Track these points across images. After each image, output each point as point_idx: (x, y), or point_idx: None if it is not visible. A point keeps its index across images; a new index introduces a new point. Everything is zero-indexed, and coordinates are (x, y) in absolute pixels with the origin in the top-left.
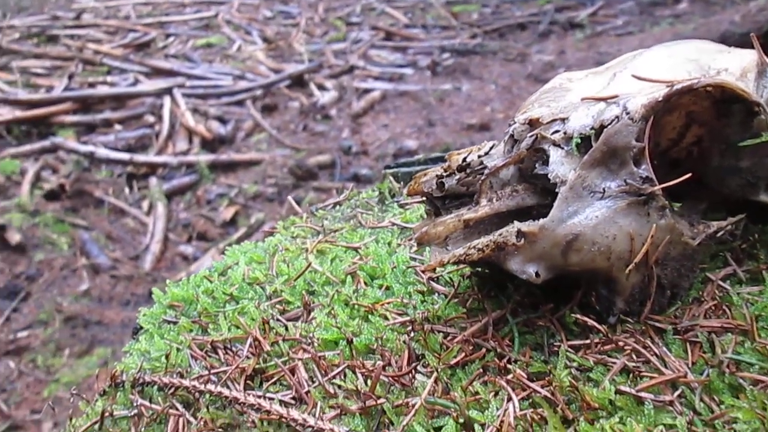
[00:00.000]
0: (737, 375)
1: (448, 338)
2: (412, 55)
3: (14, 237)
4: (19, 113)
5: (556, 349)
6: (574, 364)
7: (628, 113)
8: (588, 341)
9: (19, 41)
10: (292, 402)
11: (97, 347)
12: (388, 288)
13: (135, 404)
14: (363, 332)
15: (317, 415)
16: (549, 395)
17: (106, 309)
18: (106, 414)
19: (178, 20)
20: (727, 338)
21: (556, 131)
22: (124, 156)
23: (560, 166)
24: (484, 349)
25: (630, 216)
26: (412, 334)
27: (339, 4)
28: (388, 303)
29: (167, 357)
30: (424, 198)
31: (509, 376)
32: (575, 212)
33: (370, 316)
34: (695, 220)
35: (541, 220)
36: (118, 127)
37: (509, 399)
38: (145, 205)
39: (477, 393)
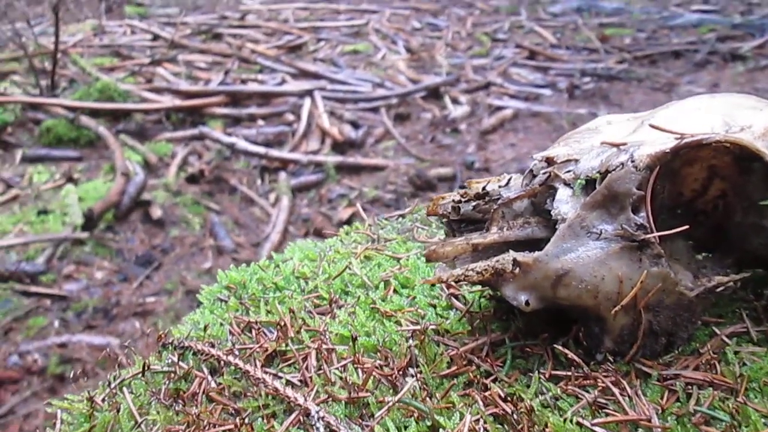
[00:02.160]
0: (702, 429)
1: (447, 350)
2: (552, 76)
3: (156, 212)
4: (178, 102)
5: (546, 375)
6: (550, 393)
7: (633, 161)
8: (569, 373)
9: (189, 37)
10: (298, 384)
11: None
12: (413, 298)
13: (171, 363)
14: (375, 333)
15: (308, 397)
16: (515, 416)
17: None
18: (147, 367)
19: (331, 26)
20: (707, 392)
21: (568, 171)
22: (261, 150)
23: (564, 204)
24: (474, 366)
25: (622, 260)
26: (415, 342)
27: (488, 20)
28: (408, 311)
29: (206, 328)
30: (444, 220)
31: (486, 393)
32: (569, 249)
33: (385, 321)
34: (701, 273)
35: (537, 253)
36: (260, 122)
37: (477, 412)
38: (272, 197)
39: (453, 403)
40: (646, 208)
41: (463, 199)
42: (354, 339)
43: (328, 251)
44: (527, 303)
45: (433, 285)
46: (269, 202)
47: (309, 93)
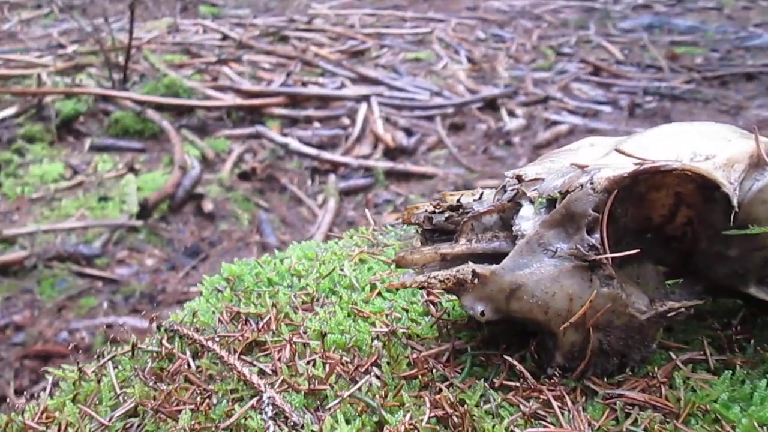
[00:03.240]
0: None
1: (412, 354)
2: (615, 92)
3: (208, 206)
4: (239, 101)
5: (496, 384)
6: (496, 401)
7: (591, 183)
8: (518, 384)
9: (256, 38)
10: (270, 373)
11: None
12: (394, 302)
13: (159, 344)
14: (349, 332)
15: (269, 385)
16: (458, 419)
17: None
18: (135, 346)
19: (395, 33)
20: (647, 414)
21: (534, 189)
22: (313, 151)
23: (526, 221)
24: (434, 370)
25: (573, 278)
26: (381, 342)
27: (555, 33)
28: (385, 314)
29: (194, 314)
30: (419, 229)
31: (437, 396)
32: (525, 264)
33: (361, 321)
34: (669, 297)
35: (494, 266)
36: (317, 124)
37: (422, 414)
38: (320, 198)
39: (403, 402)
40: (600, 229)
41: (436, 210)
42: (323, 335)
43: (325, 252)
44: (482, 313)
45: (413, 290)
46: (317, 203)
47: (366, 98)
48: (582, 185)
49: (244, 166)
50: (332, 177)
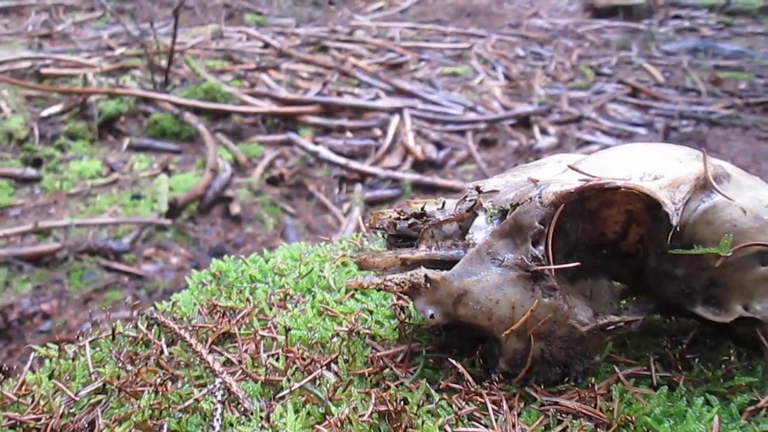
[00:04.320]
0: None
1: (370, 353)
2: (651, 115)
3: (235, 209)
4: (275, 108)
5: (441, 386)
6: (436, 401)
7: (540, 197)
8: (461, 387)
9: (297, 47)
10: (235, 362)
11: None
12: (366, 304)
13: (137, 330)
14: (316, 329)
15: (230, 373)
16: (395, 415)
17: None
18: (116, 332)
19: (435, 47)
20: (578, 423)
21: (490, 200)
22: (342, 160)
23: (479, 230)
24: (387, 369)
25: (516, 287)
26: (340, 340)
27: (596, 53)
28: (354, 315)
29: (173, 304)
30: (385, 234)
31: (384, 393)
32: (473, 272)
33: (329, 320)
34: (609, 311)
35: (445, 272)
36: (349, 134)
37: (366, 409)
38: (345, 206)
39: (351, 396)
40: (546, 242)
41: (401, 217)
42: (287, 330)
43: (310, 254)
44: (432, 316)
45: (384, 294)
46: (342, 212)
47: (399, 110)
48: (531, 198)
49: (274, 171)
50: (359, 186)
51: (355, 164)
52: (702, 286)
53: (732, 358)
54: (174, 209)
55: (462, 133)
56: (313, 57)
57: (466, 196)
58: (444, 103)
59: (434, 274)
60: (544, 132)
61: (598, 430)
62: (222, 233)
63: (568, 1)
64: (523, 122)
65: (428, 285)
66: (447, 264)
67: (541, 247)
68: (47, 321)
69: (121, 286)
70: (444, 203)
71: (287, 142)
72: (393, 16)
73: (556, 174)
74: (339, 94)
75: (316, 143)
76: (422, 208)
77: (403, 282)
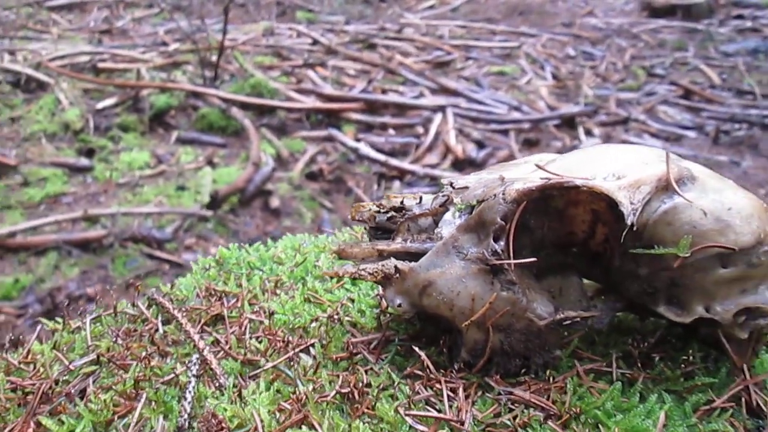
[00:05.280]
0: None
1: (347, 339)
2: (703, 118)
3: (274, 202)
4: (319, 104)
5: (406, 372)
6: (398, 386)
7: (503, 194)
8: (423, 374)
9: (345, 44)
10: (222, 342)
11: None
12: (352, 293)
13: (137, 309)
14: (301, 315)
15: (212, 352)
16: (358, 396)
17: None
18: (116, 309)
19: (483, 46)
20: (529, 412)
21: (460, 196)
22: (381, 157)
23: (447, 225)
24: (360, 355)
25: (477, 280)
26: (319, 325)
27: (650, 54)
28: (339, 304)
29: (172, 286)
30: (366, 226)
31: (351, 377)
32: (438, 264)
33: (315, 307)
34: (576, 309)
35: (413, 263)
36: (391, 131)
37: (332, 389)
38: None
39: (320, 377)
40: (507, 237)
41: (380, 210)
42: (271, 314)
43: (309, 245)
44: (399, 305)
45: (372, 285)
46: None
47: (442, 108)
48: (495, 195)
49: (315, 166)
50: (397, 183)
51: (394, 161)
52: (664, 286)
53: (693, 358)
54: (215, 201)
55: (505, 132)
56: (361, 54)
57: (442, 192)
58: (488, 102)
59: (403, 265)
60: (588, 133)
61: (548, 421)
62: (261, 226)
63: (624, 0)
64: (568, 123)
65: (397, 275)
66: (421, 256)
67: (502, 243)
68: (91, 304)
69: (162, 274)
70: (421, 198)
71: (329, 138)
72: (443, 14)
73: (529, 172)
74: (383, 91)
75: (358, 140)
76: (401, 202)
77: (376, 272)
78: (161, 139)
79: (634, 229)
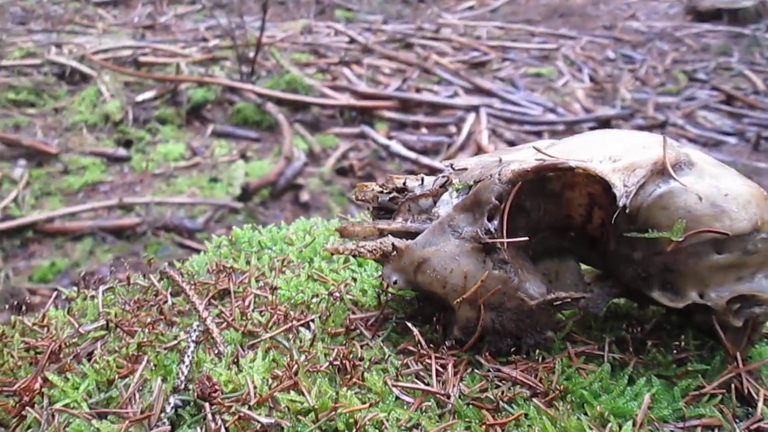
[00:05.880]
0: (484, 413)
1: (346, 315)
2: (744, 124)
3: (304, 196)
4: (353, 101)
5: (400, 348)
6: (390, 360)
7: (499, 175)
8: (415, 350)
9: (382, 43)
10: (227, 314)
11: None
12: (356, 273)
13: (149, 281)
14: (304, 292)
15: (214, 322)
16: (350, 368)
17: None
18: (129, 280)
19: (521, 47)
20: (515, 389)
21: (459, 177)
22: (412, 155)
23: (445, 205)
24: (358, 331)
25: (470, 258)
26: (319, 300)
27: (692, 58)
28: (343, 283)
29: (183, 262)
30: (370, 206)
31: (347, 351)
32: (434, 242)
33: (319, 285)
34: (559, 287)
35: (410, 241)
36: (424, 130)
37: (326, 361)
38: None
39: (316, 350)
40: (501, 217)
41: (383, 191)
42: (273, 289)
43: (320, 227)
44: (395, 282)
45: (377, 265)
46: None
47: (475, 108)
48: (491, 175)
49: (345, 162)
50: None
51: (425, 159)
52: (658, 271)
53: (687, 345)
54: (246, 193)
55: (538, 134)
56: (397, 53)
57: (442, 173)
58: (523, 103)
59: (400, 242)
60: None
61: (534, 398)
62: (290, 219)
63: (669, 3)
64: (604, 125)
65: (395, 253)
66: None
67: (496, 222)
68: (106, 275)
69: None
70: (423, 179)
71: (361, 135)
72: (482, 15)
73: (529, 156)
74: (418, 90)
75: (390, 137)
76: (403, 183)
77: (375, 249)
78: (197, 132)
79: (627, 211)
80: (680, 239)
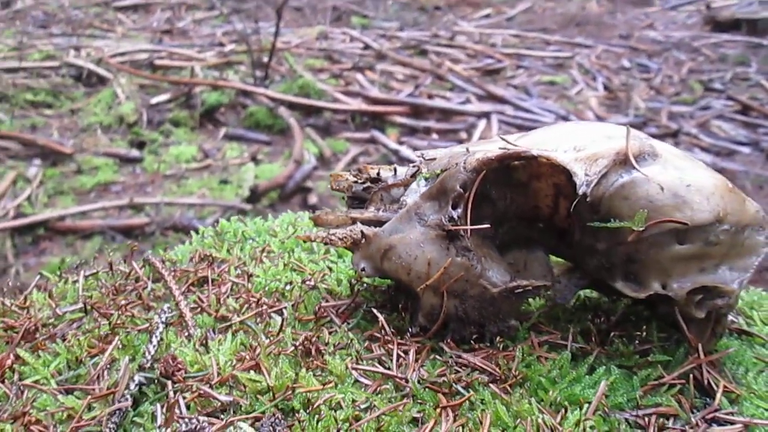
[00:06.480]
0: (440, 396)
1: (318, 303)
2: (759, 134)
3: (312, 199)
4: (364, 106)
5: (368, 335)
6: (355, 346)
7: (464, 163)
8: (380, 336)
9: (396, 49)
10: (204, 300)
11: None
12: (333, 263)
13: (130, 267)
14: (280, 280)
15: (189, 307)
16: (315, 352)
17: None
18: (111, 265)
19: (535, 55)
20: (474, 375)
21: (428, 167)
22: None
23: (413, 193)
24: (328, 318)
25: (434, 246)
26: (292, 288)
27: (709, 68)
28: (320, 274)
29: (165, 249)
30: (344, 195)
31: (314, 337)
32: (400, 230)
33: (296, 274)
34: (527, 277)
35: (377, 228)
36: (434, 135)
37: (293, 345)
38: None
39: (284, 333)
40: (465, 205)
41: (358, 180)
42: (249, 275)
43: (305, 220)
44: (363, 269)
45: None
46: None
47: (487, 115)
48: (457, 164)
49: (355, 167)
50: None
51: None
52: (620, 261)
53: (648, 335)
54: (254, 195)
55: None
56: (410, 60)
57: (413, 163)
58: (535, 111)
59: (368, 229)
60: None
61: (492, 384)
62: None
63: (688, 13)
64: None
65: (363, 240)
66: None
67: (460, 210)
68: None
69: None
70: (396, 169)
71: (372, 140)
72: (498, 23)
73: (497, 146)
74: (430, 96)
75: (401, 142)
76: (377, 173)
77: (345, 237)
78: (209, 134)
79: (589, 200)
80: (641, 229)
